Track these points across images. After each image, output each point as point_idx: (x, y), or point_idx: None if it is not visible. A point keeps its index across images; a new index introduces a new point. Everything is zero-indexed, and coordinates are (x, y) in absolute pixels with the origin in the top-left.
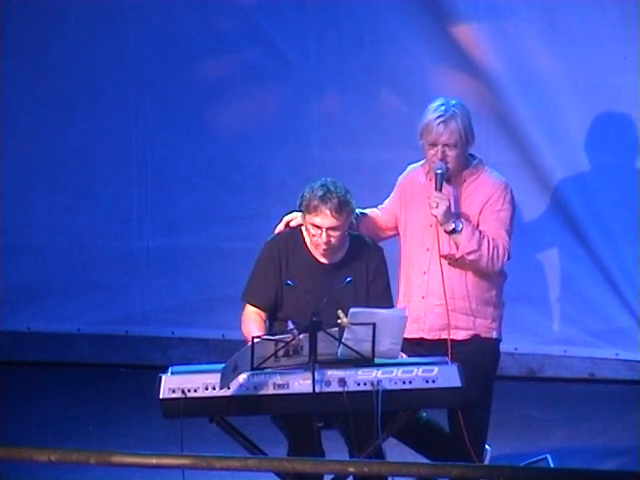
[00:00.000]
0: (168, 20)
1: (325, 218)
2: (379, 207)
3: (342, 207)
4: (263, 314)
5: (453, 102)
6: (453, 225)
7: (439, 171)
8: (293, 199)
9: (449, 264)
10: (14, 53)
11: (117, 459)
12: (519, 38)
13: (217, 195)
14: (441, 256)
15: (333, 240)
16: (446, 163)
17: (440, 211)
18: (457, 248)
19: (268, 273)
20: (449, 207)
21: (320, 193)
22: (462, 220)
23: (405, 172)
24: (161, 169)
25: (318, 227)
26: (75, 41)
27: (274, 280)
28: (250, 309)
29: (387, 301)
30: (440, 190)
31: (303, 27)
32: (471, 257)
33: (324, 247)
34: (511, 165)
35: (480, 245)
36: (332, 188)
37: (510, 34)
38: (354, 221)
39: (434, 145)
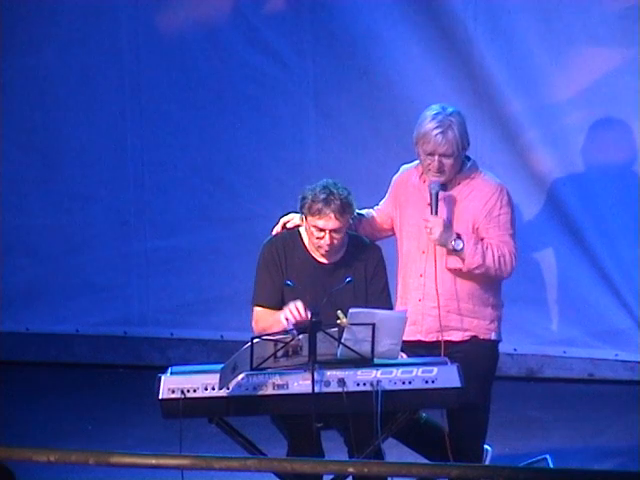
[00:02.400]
0: (163, 22)
1: (329, 221)
2: (375, 208)
3: (345, 209)
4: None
5: (450, 110)
6: (453, 244)
7: (434, 191)
8: (290, 200)
9: (445, 266)
10: (9, 56)
11: (116, 459)
12: (516, 39)
13: (214, 196)
14: (447, 269)
15: (336, 241)
16: (442, 172)
17: (435, 236)
18: (463, 262)
19: (272, 274)
20: (444, 229)
21: (323, 196)
22: (462, 238)
23: (398, 172)
24: (157, 171)
25: (322, 229)
26: (70, 43)
27: (279, 281)
28: (263, 312)
29: (386, 300)
30: (436, 212)
31: (299, 30)
32: (478, 271)
33: (327, 248)
34: (509, 166)
35: (484, 259)
36: (334, 190)
37: (507, 35)
38: (351, 221)
39: (431, 155)
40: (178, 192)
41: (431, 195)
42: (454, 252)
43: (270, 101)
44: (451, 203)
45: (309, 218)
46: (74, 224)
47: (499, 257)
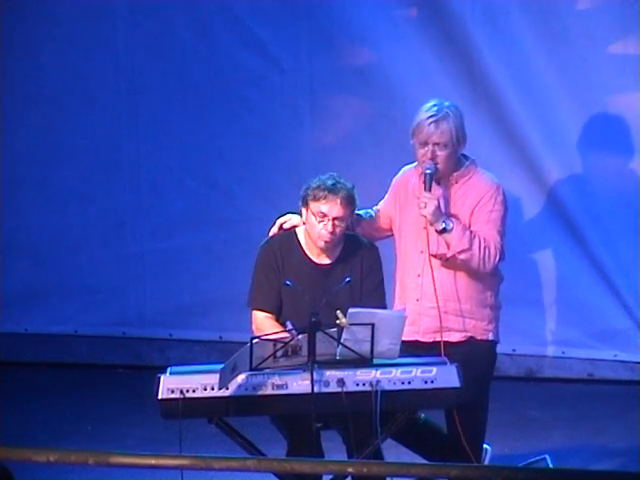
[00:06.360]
0: (160, 25)
1: (334, 206)
2: (374, 208)
3: (349, 200)
4: (274, 317)
5: (446, 103)
6: (443, 225)
7: (428, 171)
8: (285, 202)
9: (441, 266)
10: (9, 57)
11: (116, 459)
12: (515, 39)
13: (210, 199)
14: (432, 255)
15: (338, 230)
16: (436, 163)
17: (429, 211)
18: (448, 247)
19: (269, 276)
20: (438, 207)
21: (330, 182)
22: (452, 220)
23: (399, 173)
24: (153, 173)
25: (325, 215)
26: (67, 46)
27: (276, 282)
28: (261, 315)
29: (379, 298)
30: (429, 190)
31: (295, 31)
32: (462, 256)
33: (327, 237)
34: (508, 166)
35: (471, 244)
36: (341, 180)
37: (506, 36)
38: (350, 222)
39: (425, 144)
40: (174, 194)
41: (425, 175)
42: (442, 233)
43: (266, 103)
44: (448, 201)
45: (313, 205)
46: (72, 225)
47: (484, 248)
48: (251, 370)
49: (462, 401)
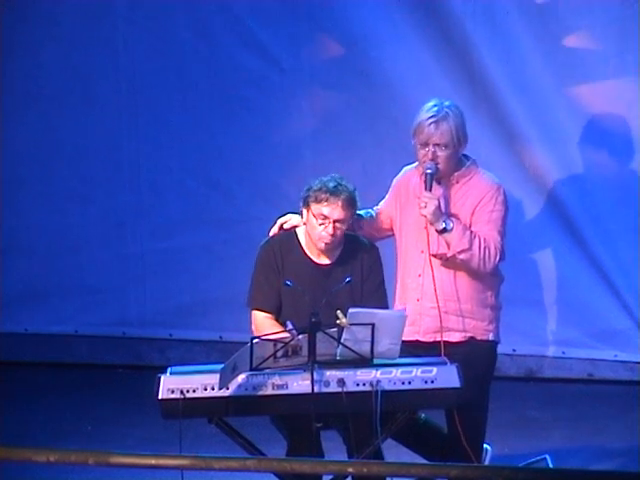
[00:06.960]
0: (160, 24)
1: (335, 209)
2: (375, 208)
3: (351, 202)
4: (274, 317)
5: (447, 103)
6: (443, 224)
7: (429, 171)
8: (286, 202)
9: (442, 266)
10: (9, 57)
11: (116, 460)
12: (515, 40)
13: (210, 199)
14: (432, 255)
15: (339, 232)
16: (437, 164)
17: (429, 211)
18: (448, 247)
19: (269, 276)
20: (438, 206)
21: (332, 185)
22: (452, 219)
23: (400, 173)
24: (153, 173)
25: (326, 217)
26: (67, 46)
27: (276, 282)
28: (261, 315)
29: (381, 298)
30: (430, 190)
31: (296, 32)
32: (462, 256)
33: (328, 239)
34: (508, 166)
35: (471, 244)
36: (342, 182)
37: (506, 36)
38: (350, 222)
39: (425, 145)
40: (174, 194)
41: (426, 175)
42: (443, 233)
43: (266, 103)
44: (449, 201)
45: (314, 206)
46: (71, 225)
47: (484, 248)
48: (251, 370)
49: (462, 401)
